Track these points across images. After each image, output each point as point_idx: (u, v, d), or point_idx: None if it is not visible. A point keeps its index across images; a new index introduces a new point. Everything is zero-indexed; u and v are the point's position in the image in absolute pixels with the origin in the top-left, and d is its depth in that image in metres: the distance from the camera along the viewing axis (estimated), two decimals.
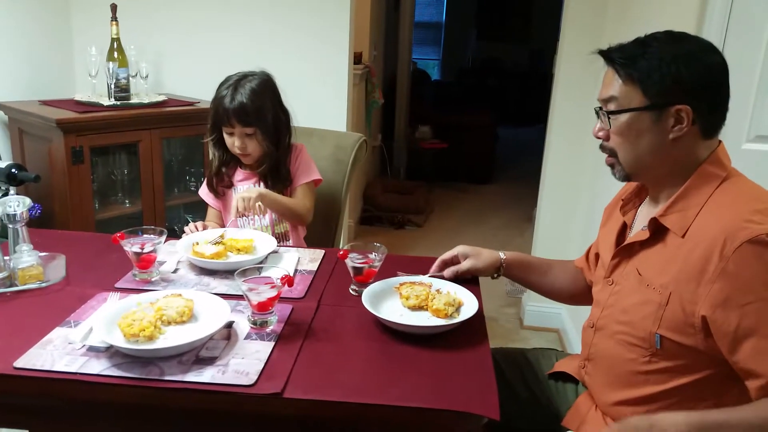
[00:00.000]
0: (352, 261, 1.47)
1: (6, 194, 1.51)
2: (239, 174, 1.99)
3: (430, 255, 1.66)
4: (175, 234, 1.85)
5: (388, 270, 1.50)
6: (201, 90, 2.69)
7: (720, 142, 1.23)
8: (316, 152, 2.21)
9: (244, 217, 1.87)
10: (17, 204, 1.45)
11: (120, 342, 1.16)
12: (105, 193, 2.61)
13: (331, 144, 2.25)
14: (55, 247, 1.59)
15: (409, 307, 1.38)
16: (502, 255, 1.56)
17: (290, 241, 2.00)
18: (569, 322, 3.05)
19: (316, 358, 1.19)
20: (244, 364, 1.14)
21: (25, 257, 1.44)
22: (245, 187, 1.97)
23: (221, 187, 1.98)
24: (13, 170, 1.83)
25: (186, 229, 1.87)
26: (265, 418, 1.13)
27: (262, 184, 1.95)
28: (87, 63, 2.56)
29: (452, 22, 9.53)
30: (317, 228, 2.07)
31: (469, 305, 1.38)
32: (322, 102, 2.94)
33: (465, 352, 1.24)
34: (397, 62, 5.91)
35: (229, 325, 1.28)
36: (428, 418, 1.07)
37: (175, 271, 1.57)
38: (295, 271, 1.59)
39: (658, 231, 1.21)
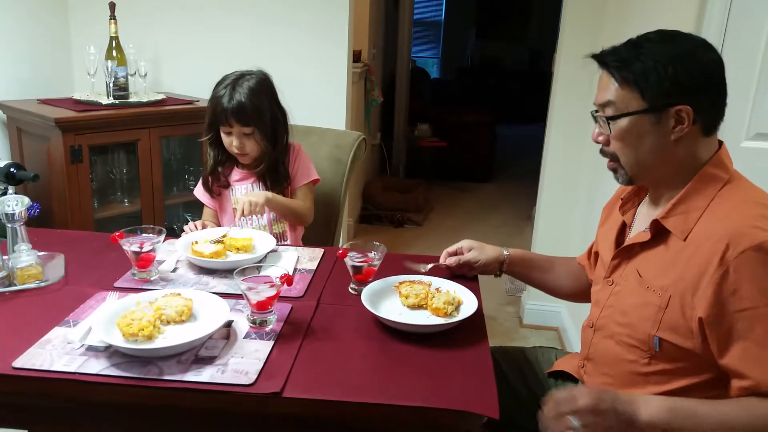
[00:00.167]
0: (352, 260, 1.46)
1: (5, 193, 1.51)
2: (236, 174, 1.98)
3: (430, 254, 1.66)
4: (174, 233, 1.85)
5: (387, 269, 1.50)
6: (200, 88, 2.68)
7: (722, 143, 1.22)
8: (315, 151, 2.21)
9: (243, 218, 1.86)
10: (16, 203, 1.45)
11: (119, 341, 1.16)
12: (104, 192, 2.61)
13: (330, 142, 2.25)
14: (54, 247, 1.58)
15: (408, 306, 1.38)
16: (505, 251, 1.57)
17: (288, 240, 2.00)
18: (569, 321, 3.05)
19: (315, 358, 1.19)
20: (243, 364, 1.14)
21: (24, 257, 1.44)
22: (243, 187, 1.97)
23: (217, 186, 1.98)
24: (12, 169, 1.83)
25: (185, 228, 1.87)
26: (264, 418, 1.13)
27: (260, 183, 1.95)
28: (85, 62, 2.56)
29: (451, 20, 9.53)
30: (316, 227, 2.07)
31: (468, 304, 1.38)
32: (321, 100, 2.94)
33: (464, 351, 1.24)
34: (396, 60, 5.91)
35: (229, 325, 1.28)
36: (428, 417, 1.07)
37: (174, 270, 1.56)
38: (295, 270, 1.59)
39: (659, 233, 1.21)
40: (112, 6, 2.53)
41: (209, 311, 1.29)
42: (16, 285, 1.42)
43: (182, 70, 2.97)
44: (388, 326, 1.30)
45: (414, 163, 6.00)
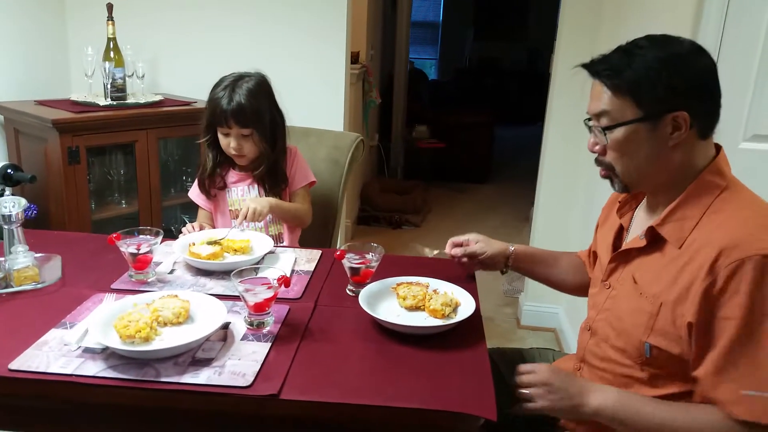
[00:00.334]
0: (349, 261, 1.46)
1: (2, 195, 1.51)
2: (233, 175, 1.98)
3: (428, 255, 1.66)
4: (171, 234, 1.85)
5: (385, 270, 1.50)
6: (197, 90, 2.67)
7: (720, 148, 1.21)
8: (313, 152, 2.21)
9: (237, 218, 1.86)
10: (13, 205, 1.44)
11: (116, 343, 1.16)
12: (101, 193, 2.60)
13: (328, 144, 2.25)
14: (51, 248, 1.58)
15: (406, 308, 1.38)
16: (511, 247, 1.57)
17: (285, 242, 2.00)
18: (566, 322, 3.05)
19: (312, 359, 1.19)
20: (240, 366, 1.14)
21: (21, 258, 1.44)
22: (239, 189, 1.97)
23: (214, 188, 1.97)
24: (9, 171, 1.83)
25: (183, 229, 1.86)
26: (261, 420, 1.13)
27: (257, 185, 1.95)
28: (83, 63, 2.56)
29: (449, 21, 9.54)
30: (314, 228, 2.07)
31: (466, 305, 1.38)
32: (319, 102, 2.94)
33: (462, 353, 1.23)
34: (394, 62, 5.91)
35: (226, 326, 1.28)
36: (425, 419, 1.07)
37: (171, 271, 1.56)
38: (292, 271, 1.59)
39: (655, 240, 1.20)
40: (110, 7, 2.52)
41: (206, 313, 1.29)
42: (12, 287, 1.41)
43: (180, 71, 2.97)
44: (385, 328, 1.30)
45: (412, 164, 6.00)
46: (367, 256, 1.49)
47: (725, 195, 1.15)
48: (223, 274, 1.53)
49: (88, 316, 1.29)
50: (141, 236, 1.51)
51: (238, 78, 1.87)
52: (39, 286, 1.44)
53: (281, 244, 1.96)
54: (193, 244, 1.62)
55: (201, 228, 1.88)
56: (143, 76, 2.72)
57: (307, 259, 1.68)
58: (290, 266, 1.61)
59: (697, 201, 1.15)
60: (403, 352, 1.23)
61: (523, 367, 1.23)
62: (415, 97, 6.46)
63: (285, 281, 1.28)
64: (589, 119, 1.21)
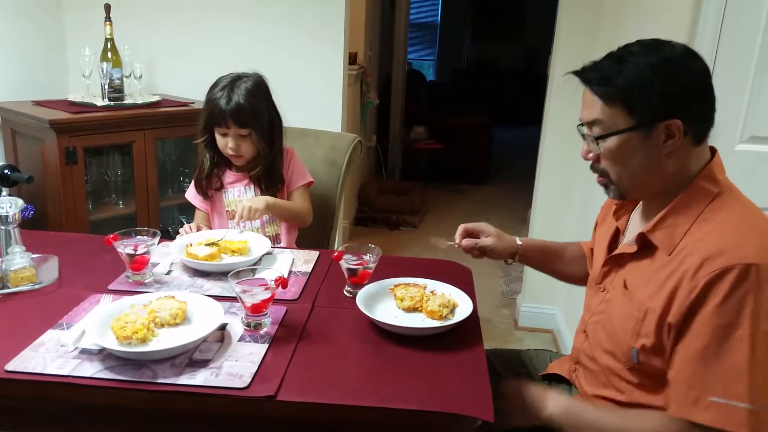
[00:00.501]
0: (347, 262, 1.46)
1: None
2: (229, 176, 1.98)
3: (426, 256, 1.66)
4: (169, 235, 1.85)
5: (382, 271, 1.50)
6: (195, 90, 2.67)
7: (714, 152, 1.20)
8: (310, 153, 2.21)
9: (233, 219, 1.87)
10: (9, 205, 1.44)
11: (113, 344, 1.15)
12: (98, 194, 2.60)
13: (326, 145, 2.25)
14: (48, 249, 1.58)
15: (403, 309, 1.38)
16: (518, 241, 1.55)
17: (281, 243, 2.00)
18: (564, 323, 3.05)
19: (310, 361, 1.19)
20: (237, 367, 1.14)
21: (18, 259, 1.44)
22: (236, 190, 1.97)
23: (211, 189, 1.97)
24: (6, 171, 1.83)
25: (180, 230, 1.86)
26: (258, 421, 1.12)
27: (254, 186, 1.95)
28: (80, 63, 2.55)
29: (447, 22, 9.54)
30: (312, 229, 2.07)
31: (463, 307, 1.38)
32: (316, 102, 2.94)
33: (459, 354, 1.23)
34: (392, 63, 5.91)
35: (223, 327, 1.27)
36: (422, 420, 1.07)
37: (168, 272, 1.56)
38: (290, 272, 1.59)
39: (646, 246, 1.19)
40: (108, 7, 2.52)
41: (203, 314, 1.29)
42: (9, 287, 1.41)
43: (177, 72, 2.96)
44: (383, 329, 1.30)
45: (410, 165, 6.00)
46: (364, 257, 1.49)
47: (716, 202, 1.13)
48: (221, 275, 1.53)
49: (85, 317, 1.29)
50: (138, 237, 1.51)
51: (236, 78, 1.87)
52: (36, 286, 1.43)
53: (278, 245, 1.96)
54: (191, 245, 1.62)
55: (198, 229, 1.88)
56: (141, 77, 2.72)
57: (305, 260, 1.68)
58: (288, 267, 1.61)
59: (688, 208, 1.14)
60: (400, 353, 1.23)
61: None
62: (413, 98, 6.46)
63: (282, 282, 1.28)
64: (582, 125, 1.20)
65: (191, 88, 2.79)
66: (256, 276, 1.34)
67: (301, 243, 2.06)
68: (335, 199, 2.21)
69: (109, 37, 2.53)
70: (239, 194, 1.96)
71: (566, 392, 1.45)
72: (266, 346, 1.22)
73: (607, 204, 1.46)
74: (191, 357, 1.16)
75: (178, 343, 1.15)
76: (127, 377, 1.10)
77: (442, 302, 1.35)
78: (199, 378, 1.10)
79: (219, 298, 1.37)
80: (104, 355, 1.16)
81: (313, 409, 1.07)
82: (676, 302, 1.08)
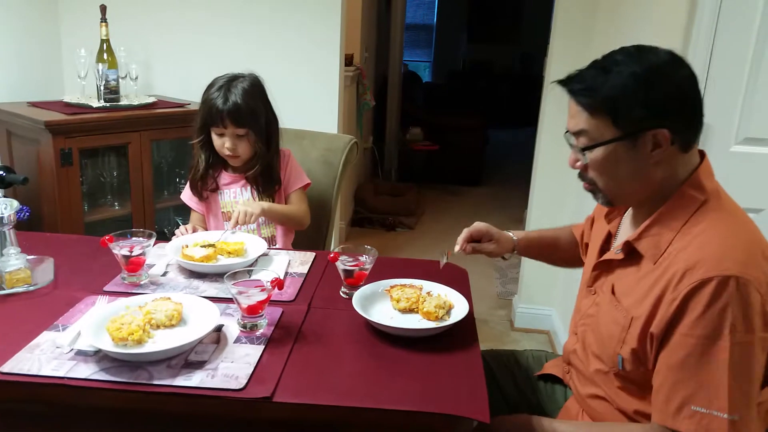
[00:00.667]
0: (343, 264, 1.46)
1: None
2: (225, 177, 1.97)
3: (422, 257, 1.66)
4: (164, 237, 1.84)
5: (379, 272, 1.50)
6: (191, 91, 2.67)
7: (703, 157, 1.18)
8: (306, 154, 2.21)
9: (229, 221, 1.86)
10: (5, 207, 1.44)
11: (108, 346, 1.15)
12: (94, 195, 2.59)
13: (322, 146, 2.25)
14: (44, 250, 1.57)
15: (399, 310, 1.38)
16: (514, 237, 1.55)
17: (277, 244, 1.99)
18: (560, 324, 3.06)
19: (306, 362, 1.19)
20: (233, 368, 1.14)
21: (13, 260, 1.43)
22: (232, 191, 1.96)
23: (206, 191, 1.96)
24: (1, 172, 1.82)
25: (176, 231, 1.86)
26: (254, 423, 1.12)
27: (250, 187, 1.95)
28: (76, 64, 2.55)
29: (443, 24, 9.55)
30: (308, 230, 2.07)
31: (459, 308, 1.38)
32: (313, 104, 2.93)
33: (455, 355, 1.24)
34: (388, 64, 5.91)
35: (219, 329, 1.27)
36: (418, 421, 1.07)
37: (164, 274, 1.56)
38: (286, 273, 1.58)
39: (632, 253, 1.19)
40: (103, 8, 2.52)
41: (199, 315, 1.28)
42: (4, 289, 1.41)
43: (173, 73, 2.96)
44: (379, 330, 1.30)
45: (406, 166, 6.00)
46: (360, 258, 1.49)
47: (702, 210, 1.12)
48: (216, 276, 1.53)
49: (80, 318, 1.29)
50: (134, 238, 1.51)
51: (233, 78, 1.87)
52: (31, 288, 1.43)
53: (274, 247, 1.95)
54: (187, 247, 1.62)
55: (194, 230, 1.88)
56: (136, 78, 2.72)
57: (301, 261, 1.68)
58: (284, 268, 1.61)
59: (673, 216, 1.14)
60: (396, 354, 1.23)
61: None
62: (409, 99, 6.47)
63: (278, 283, 1.28)
64: (567, 132, 1.20)
65: (187, 90, 2.79)
66: (252, 277, 1.34)
67: (298, 244, 2.06)
68: (331, 201, 2.21)
69: (104, 38, 2.53)
70: (235, 196, 1.96)
71: (562, 393, 1.45)
72: (262, 347, 1.22)
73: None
74: (187, 358, 1.16)
75: (174, 344, 1.15)
76: (123, 379, 1.09)
77: (438, 303, 1.35)
78: (195, 379, 1.10)
79: (215, 299, 1.37)
80: (100, 356, 1.15)
81: (310, 410, 1.07)
82: (659, 312, 1.08)
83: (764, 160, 1.81)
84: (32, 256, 1.50)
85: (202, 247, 1.62)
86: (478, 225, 1.52)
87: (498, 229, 1.54)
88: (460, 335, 1.30)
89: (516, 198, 4.90)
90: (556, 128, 2.93)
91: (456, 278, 1.57)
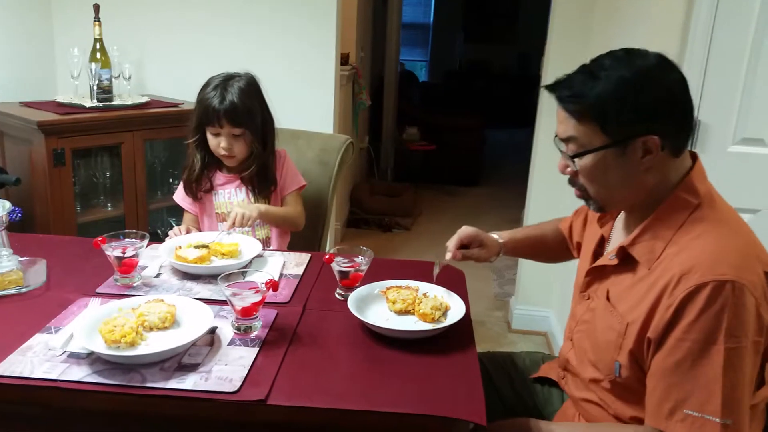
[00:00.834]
0: (338, 265, 1.45)
1: None
2: (220, 178, 1.96)
3: (419, 258, 1.65)
4: (158, 238, 1.83)
5: (374, 274, 1.49)
6: (184, 91, 2.66)
7: (695, 160, 1.17)
8: (302, 154, 2.20)
9: (224, 222, 1.85)
10: None
11: (101, 348, 1.14)
12: (87, 196, 2.58)
13: (318, 146, 2.24)
14: (36, 252, 1.56)
15: (395, 312, 1.37)
16: (500, 240, 1.54)
17: (272, 246, 1.98)
18: (557, 326, 3.05)
19: (301, 364, 1.18)
20: (227, 371, 1.12)
21: (5, 262, 1.42)
22: (226, 191, 1.95)
23: (200, 191, 1.95)
24: None
25: (170, 232, 1.84)
26: (248, 426, 1.11)
27: (245, 188, 1.94)
28: (69, 64, 2.53)
29: (440, 23, 9.56)
30: (303, 231, 2.06)
31: (456, 309, 1.37)
32: (308, 103, 2.93)
33: (452, 357, 1.23)
34: (384, 63, 5.90)
35: (213, 331, 1.26)
36: (414, 424, 1.06)
37: (157, 275, 1.54)
38: (280, 275, 1.57)
39: (626, 259, 1.18)
40: (97, 8, 2.50)
41: (193, 317, 1.27)
42: None
43: (167, 72, 2.95)
44: (374, 332, 1.29)
45: (402, 166, 6.00)
46: (356, 259, 1.48)
47: (697, 214, 1.11)
48: (210, 278, 1.52)
49: (73, 320, 1.27)
50: (127, 239, 1.50)
51: (229, 78, 1.85)
52: (23, 290, 1.42)
53: (268, 249, 1.94)
54: (180, 248, 1.61)
55: (188, 231, 1.87)
56: (130, 78, 2.70)
57: (296, 262, 1.66)
58: (278, 270, 1.59)
59: (667, 221, 1.13)
60: (392, 356, 1.22)
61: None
62: (406, 99, 6.46)
63: (273, 285, 1.27)
64: (556, 136, 1.19)
65: (180, 89, 2.78)
66: (247, 279, 1.33)
67: (293, 245, 2.04)
68: (327, 201, 2.20)
69: (98, 37, 2.52)
70: (229, 196, 1.95)
71: (558, 395, 1.44)
72: (256, 349, 1.20)
73: None
74: (180, 361, 1.15)
75: (167, 346, 1.14)
76: (116, 381, 1.08)
77: (435, 305, 1.34)
78: (189, 382, 1.09)
79: (209, 301, 1.36)
80: (92, 359, 1.14)
81: (304, 413, 1.06)
82: (655, 317, 1.07)
83: (761, 160, 1.81)
84: (24, 258, 1.48)
85: (195, 248, 1.60)
86: (467, 230, 1.49)
87: (485, 233, 1.53)
88: (456, 337, 1.29)
89: (513, 198, 4.89)
90: (552, 129, 2.85)
91: (453, 280, 1.56)
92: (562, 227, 1.58)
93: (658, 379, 1.07)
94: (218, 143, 1.84)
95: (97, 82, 2.49)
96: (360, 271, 1.46)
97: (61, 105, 2.47)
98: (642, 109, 1.07)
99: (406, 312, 1.36)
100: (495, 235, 1.54)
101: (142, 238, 1.49)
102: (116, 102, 2.54)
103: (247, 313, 1.25)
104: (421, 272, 1.55)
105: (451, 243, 1.47)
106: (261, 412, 1.06)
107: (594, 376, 1.23)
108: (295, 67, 2.90)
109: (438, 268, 1.47)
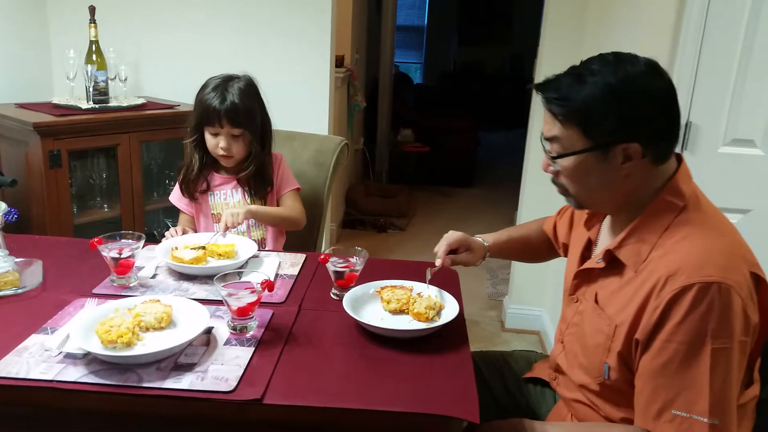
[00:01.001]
0: (334, 265, 1.46)
1: None
2: (216, 179, 1.97)
3: (413, 259, 1.66)
4: (154, 239, 1.83)
5: (369, 274, 1.50)
6: (180, 93, 2.67)
7: (681, 160, 1.18)
8: (297, 156, 2.21)
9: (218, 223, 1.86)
10: None
11: (97, 349, 1.14)
12: (83, 197, 2.58)
13: (313, 148, 2.25)
14: (32, 253, 1.56)
15: (390, 311, 1.38)
16: (485, 243, 1.55)
17: (267, 247, 1.99)
18: (550, 325, 3.07)
19: (296, 364, 1.19)
20: (223, 371, 1.13)
21: (1, 263, 1.42)
22: (223, 192, 1.96)
23: (197, 192, 1.96)
24: None
25: (166, 233, 1.85)
26: (245, 425, 1.12)
27: (241, 189, 1.94)
28: (65, 65, 2.53)
29: (434, 26, 9.57)
30: (299, 231, 2.06)
31: (450, 309, 1.38)
32: (303, 105, 2.93)
33: (446, 356, 1.24)
34: (379, 65, 5.92)
35: (209, 331, 1.27)
36: (408, 422, 1.07)
37: (153, 276, 1.55)
38: (276, 275, 1.58)
39: (613, 262, 1.19)
40: (92, 10, 2.51)
41: (189, 318, 1.28)
42: None
43: (163, 74, 2.95)
44: (369, 331, 1.30)
45: (397, 168, 6.01)
46: (351, 259, 1.49)
47: (682, 216, 1.12)
48: (206, 278, 1.53)
49: (69, 321, 1.28)
50: (123, 240, 1.50)
51: (228, 79, 1.86)
52: (19, 291, 1.42)
53: (264, 249, 1.95)
54: (176, 248, 1.61)
55: (184, 232, 1.87)
56: (126, 79, 2.71)
57: (291, 263, 1.67)
58: (274, 270, 1.60)
59: (653, 224, 1.14)
60: (386, 355, 1.23)
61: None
62: (400, 101, 6.47)
63: (268, 285, 1.27)
64: (541, 135, 1.20)
65: (176, 91, 2.78)
66: (242, 279, 1.33)
67: (289, 246, 2.05)
68: (322, 202, 2.21)
69: (93, 39, 2.52)
70: (225, 197, 1.96)
71: (551, 395, 1.46)
72: (252, 349, 1.21)
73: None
74: (177, 361, 1.16)
75: (164, 347, 1.15)
76: (112, 381, 1.09)
77: (429, 304, 1.36)
78: (185, 382, 1.09)
79: (205, 301, 1.37)
80: (89, 359, 1.15)
81: (300, 412, 1.07)
82: (643, 319, 1.09)
83: (752, 161, 1.82)
84: (20, 259, 1.49)
85: (191, 249, 1.61)
86: (455, 235, 1.50)
87: (471, 237, 1.54)
88: (450, 336, 1.30)
89: (507, 199, 4.91)
90: None
91: (447, 279, 1.57)
92: (546, 228, 1.59)
93: (645, 380, 1.08)
94: (217, 143, 1.85)
95: (93, 83, 2.49)
96: (355, 271, 1.47)
97: (57, 106, 2.47)
98: (625, 116, 1.08)
99: (400, 311, 1.37)
100: (480, 238, 1.55)
101: (139, 239, 1.50)
102: (112, 104, 2.55)
103: (243, 313, 1.26)
104: (416, 272, 1.56)
105: (440, 249, 1.47)
106: (257, 411, 1.07)
107: (583, 381, 1.24)
108: (289, 68, 2.91)
109: (430, 274, 1.48)
